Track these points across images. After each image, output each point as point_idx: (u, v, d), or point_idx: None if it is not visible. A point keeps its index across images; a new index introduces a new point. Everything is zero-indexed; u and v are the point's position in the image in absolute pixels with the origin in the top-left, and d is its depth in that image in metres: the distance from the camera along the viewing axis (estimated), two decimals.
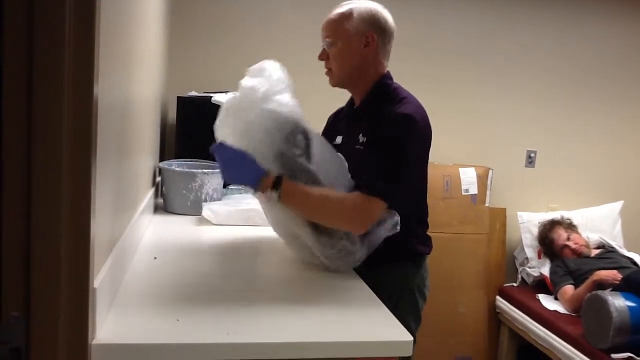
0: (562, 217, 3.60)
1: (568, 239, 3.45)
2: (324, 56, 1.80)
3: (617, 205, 3.85)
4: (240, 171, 1.59)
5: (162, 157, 2.86)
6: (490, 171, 3.63)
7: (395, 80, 1.83)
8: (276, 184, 1.54)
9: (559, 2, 3.75)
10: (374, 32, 1.74)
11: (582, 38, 3.82)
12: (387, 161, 1.62)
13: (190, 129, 2.80)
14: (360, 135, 1.76)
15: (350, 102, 1.92)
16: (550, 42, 3.78)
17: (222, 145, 1.61)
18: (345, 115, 1.95)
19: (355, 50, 1.74)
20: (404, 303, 1.54)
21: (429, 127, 1.73)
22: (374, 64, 1.78)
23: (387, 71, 1.83)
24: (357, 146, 1.75)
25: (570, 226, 3.56)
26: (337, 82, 1.82)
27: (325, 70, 1.82)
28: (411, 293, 1.80)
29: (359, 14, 1.73)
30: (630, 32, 3.87)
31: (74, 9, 0.96)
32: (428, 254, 1.88)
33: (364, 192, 1.58)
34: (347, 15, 1.74)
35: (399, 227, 1.60)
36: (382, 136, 1.65)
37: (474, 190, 3.53)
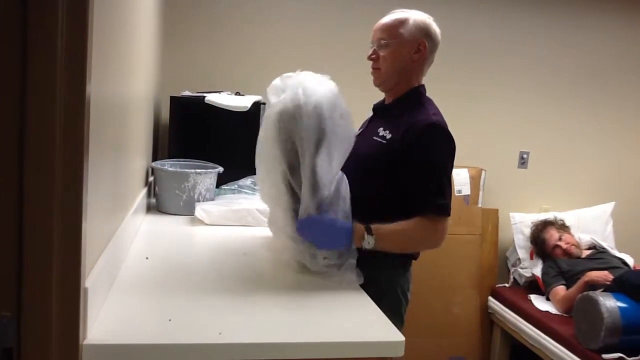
0: (555, 218, 3.62)
1: (560, 239, 3.47)
2: (374, 56, 1.88)
3: (609, 207, 3.87)
4: (334, 237, 1.66)
5: (155, 157, 2.86)
6: (483, 172, 3.64)
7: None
8: (368, 232, 1.66)
9: (554, 4, 3.76)
10: (426, 40, 1.86)
11: (575, 40, 3.83)
12: (434, 174, 1.74)
13: (183, 129, 2.80)
14: (381, 128, 1.83)
15: (381, 102, 2.01)
16: (543, 44, 3.79)
17: (309, 219, 1.64)
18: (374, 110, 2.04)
19: (407, 54, 1.85)
20: (388, 304, 1.55)
21: (453, 140, 1.84)
22: (418, 72, 1.91)
23: (424, 84, 1.95)
24: (375, 137, 1.82)
25: (563, 227, 3.57)
26: (382, 82, 1.91)
27: (372, 70, 1.91)
28: (395, 295, 1.82)
29: (415, 22, 1.85)
30: (624, 34, 3.89)
31: (67, 9, 0.96)
32: (416, 258, 1.92)
33: (426, 213, 1.70)
34: (403, 21, 1.85)
35: (354, 284, 1.64)
36: (420, 145, 1.73)
37: (466, 191, 3.54)
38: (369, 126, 1.94)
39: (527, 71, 3.79)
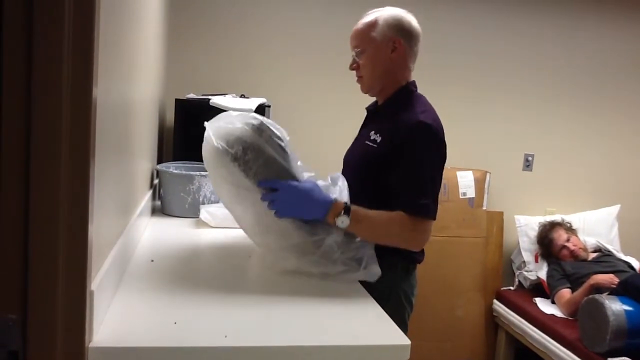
0: (563, 220, 3.62)
1: (568, 240, 3.46)
2: (354, 65, 1.86)
3: (614, 209, 3.86)
4: (308, 205, 1.61)
5: (160, 160, 2.86)
6: (488, 175, 3.64)
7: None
8: (345, 211, 1.61)
9: (558, 7, 3.76)
10: (400, 37, 1.81)
11: (580, 42, 3.83)
12: (420, 173, 1.68)
13: (188, 131, 2.80)
14: (373, 132, 1.80)
15: (374, 104, 1.99)
16: (549, 46, 3.79)
17: (287, 185, 1.59)
18: (368, 112, 2.02)
19: (384, 56, 1.81)
20: (391, 308, 1.52)
21: (444, 139, 1.78)
22: (402, 68, 1.85)
23: (413, 80, 1.90)
24: (367, 142, 1.80)
25: (570, 229, 3.57)
26: (368, 88, 1.89)
27: (357, 78, 1.89)
28: (398, 299, 1.79)
29: (384, 21, 1.80)
30: (628, 37, 3.89)
31: (73, 11, 0.96)
32: (420, 262, 1.88)
33: (408, 211, 1.65)
34: (372, 24, 1.81)
35: (374, 279, 1.63)
36: (408, 146, 1.69)
37: (471, 193, 3.54)
38: (363, 131, 1.93)
39: (531, 74, 3.79)
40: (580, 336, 2.82)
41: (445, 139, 1.76)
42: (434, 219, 1.69)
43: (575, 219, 3.70)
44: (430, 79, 3.63)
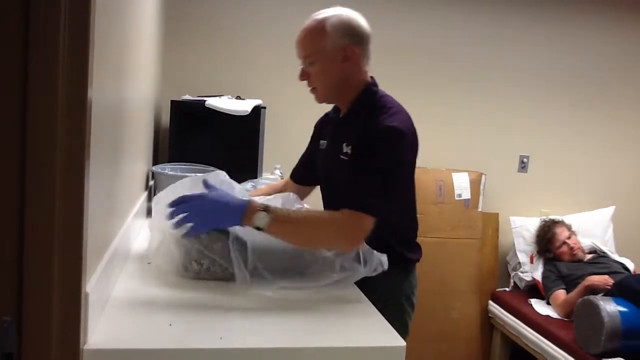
0: (563, 220, 3.63)
1: (569, 237, 3.47)
2: (305, 76, 1.74)
3: (609, 211, 3.88)
4: (223, 212, 1.49)
5: (156, 161, 2.86)
6: (483, 176, 3.64)
7: (385, 87, 1.80)
8: (264, 210, 1.48)
9: (554, 9, 3.77)
10: (351, 43, 1.69)
11: (576, 45, 3.84)
12: (372, 175, 1.58)
13: (183, 133, 2.80)
14: (345, 144, 1.71)
15: (336, 108, 1.88)
16: (544, 49, 3.80)
17: (195, 196, 1.50)
18: (331, 120, 1.91)
19: (336, 66, 1.69)
20: (390, 311, 1.49)
21: (415, 136, 1.71)
22: (357, 74, 1.74)
23: (372, 78, 1.80)
24: (342, 156, 1.71)
25: (571, 229, 3.58)
26: (323, 99, 1.79)
27: (310, 88, 1.77)
28: (397, 301, 1.76)
29: (333, 28, 1.67)
30: (624, 39, 3.90)
31: (68, 13, 0.96)
32: (417, 260, 1.84)
33: (351, 208, 1.54)
34: (320, 31, 1.67)
35: (385, 267, 1.56)
36: (368, 149, 1.61)
37: (466, 195, 3.54)
38: (335, 142, 1.79)
39: (527, 76, 3.80)
40: (575, 337, 2.83)
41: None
42: (376, 217, 1.55)
43: (570, 221, 3.70)
44: (424, 81, 3.66)
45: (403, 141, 1.63)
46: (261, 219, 1.46)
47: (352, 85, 1.74)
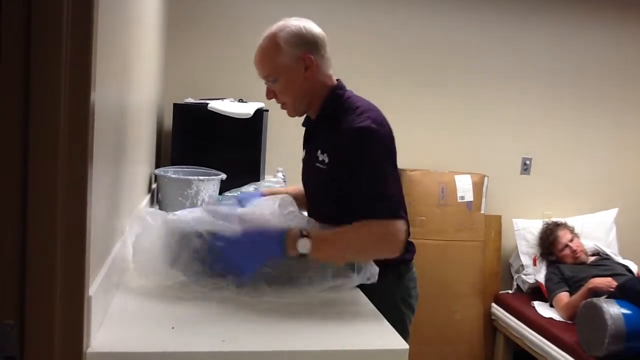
0: (566, 222, 3.62)
1: (571, 240, 3.47)
2: (271, 94, 1.75)
3: (612, 213, 3.87)
4: (262, 251, 1.52)
5: (158, 164, 2.86)
6: (486, 178, 3.64)
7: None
8: (302, 235, 1.50)
9: (557, 11, 3.77)
10: (308, 52, 1.69)
11: (578, 46, 3.84)
12: (374, 178, 1.59)
13: (186, 136, 2.80)
14: (319, 152, 1.71)
15: (307, 117, 1.88)
16: (547, 51, 3.80)
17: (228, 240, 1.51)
18: (306, 128, 1.92)
19: (299, 77, 1.69)
20: (385, 316, 1.48)
21: (389, 130, 1.70)
22: (321, 80, 1.74)
23: (338, 80, 1.79)
24: (317, 164, 1.71)
25: (573, 232, 3.58)
26: (295, 112, 1.79)
27: (280, 105, 1.78)
28: (392, 306, 1.71)
29: (286, 42, 1.68)
30: (628, 42, 3.90)
31: (71, 15, 0.97)
32: (410, 260, 1.82)
33: (372, 219, 1.54)
34: (275, 48, 1.68)
35: (375, 279, 1.57)
36: (351, 155, 1.61)
37: (469, 197, 3.54)
38: (309, 149, 1.81)
39: (529, 77, 3.80)
40: (578, 340, 2.82)
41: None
42: (401, 217, 1.58)
43: (573, 223, 3.70)
44: (427, 83, 3.66)
45: (378, 138, 1.62)
46: (303, 245, 1.48)
47: (318, 92, 1.74)
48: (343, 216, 1.57)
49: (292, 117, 1.81)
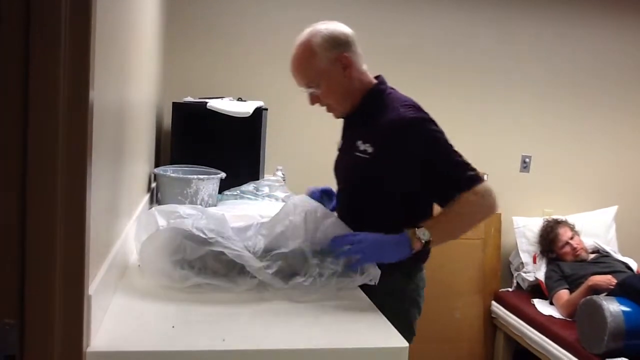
0: (566, 220, 3.62)
1: (572, 238, 3.47)
2: (315, 100, 1.78)
3: (612, 210, 3.87)
4: (390, 249, 1.61)
5: (158, 163, 2.86)
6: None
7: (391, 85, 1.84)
8: (418, 227, 1.60)
9: (556, 8, 3.76)
10: (342, 51, 1.72)
11: (578, 45, 3.83)
12: (445, 159, 1.69)
13: (185, 135, 2.80)
14: (360, 142, 1.73)
15: None
16: (545, 49, 3.79)
17: (353, 236, 1.61)
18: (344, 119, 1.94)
19: (339, 78, 1.73)
20: (393, 314, 1.49)
21: (431, 116, 1.76)
22: (359, 76, 1.77)
23: (380, 76, 1.83)
24: (358, 153, 1.73)
25: (574, 230, 3.58)
26: (342, 112, 1.82)
27: (326, 108, 1.81)
28: (398, 303, 1.71)
29: (320, 46, 1.71)
30: (627, 40, 3.89)
31: (69, 14, 0.97)
32: (424, 261, 1.84)
33: (465, 190, 1.66)
34: (311, 55, 1.71)
35: (376, 281, 1.60)
36: (417, 149, 1.67)
37: None
38: (346, 139, 1.87)
39: (529, 74, 3.80)
40: (578, 337, 2.82)
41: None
42: (484, 180, 1.73)
43: (573, 220, 3.70)
44: (426, 81, 3.65)
45: (427, 119, 1.71)
46: (424, 234, 1.60)
47: (359, 88, 1.78)
48: (378, 205, 1.70)
49: (340, 118, 1.86)
